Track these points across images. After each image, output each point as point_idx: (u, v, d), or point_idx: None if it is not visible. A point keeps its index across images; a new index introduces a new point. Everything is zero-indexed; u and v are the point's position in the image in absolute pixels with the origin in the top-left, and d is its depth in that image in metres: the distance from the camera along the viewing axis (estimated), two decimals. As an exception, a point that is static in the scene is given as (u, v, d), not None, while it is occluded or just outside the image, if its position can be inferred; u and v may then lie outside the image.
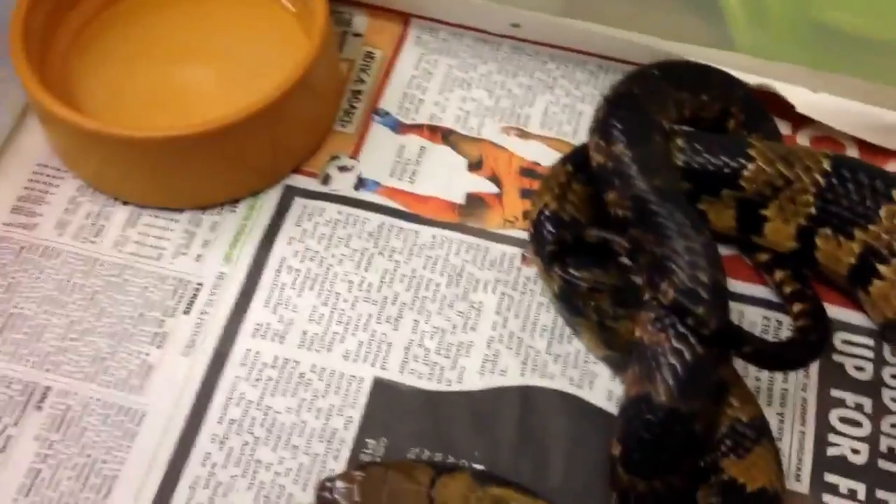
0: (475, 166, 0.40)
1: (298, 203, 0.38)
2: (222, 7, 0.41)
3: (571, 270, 0.34)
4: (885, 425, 0.34)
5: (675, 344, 0.30)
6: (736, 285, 0.37)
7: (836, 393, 0.34)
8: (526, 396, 0.34)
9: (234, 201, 0.38)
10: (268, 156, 0.38)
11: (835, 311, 0.36)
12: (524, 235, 0.37)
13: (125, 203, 0.38)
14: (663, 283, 0.31)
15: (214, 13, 0.41)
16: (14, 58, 0.37)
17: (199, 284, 0.36)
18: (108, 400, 0.34)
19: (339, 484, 0.29)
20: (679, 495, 0.30)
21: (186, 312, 0.36)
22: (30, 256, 0.37)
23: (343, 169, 0.39)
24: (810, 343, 0.34)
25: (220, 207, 0.38)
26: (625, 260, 0.33)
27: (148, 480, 0.32)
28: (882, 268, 0.34)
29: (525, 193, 0.39)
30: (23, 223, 0.38)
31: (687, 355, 0.30)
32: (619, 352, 0.33)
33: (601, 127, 0.35)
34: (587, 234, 0.34)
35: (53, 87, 0.37)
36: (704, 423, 0.30)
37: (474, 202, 0.39)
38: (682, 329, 0.30)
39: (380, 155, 0.40)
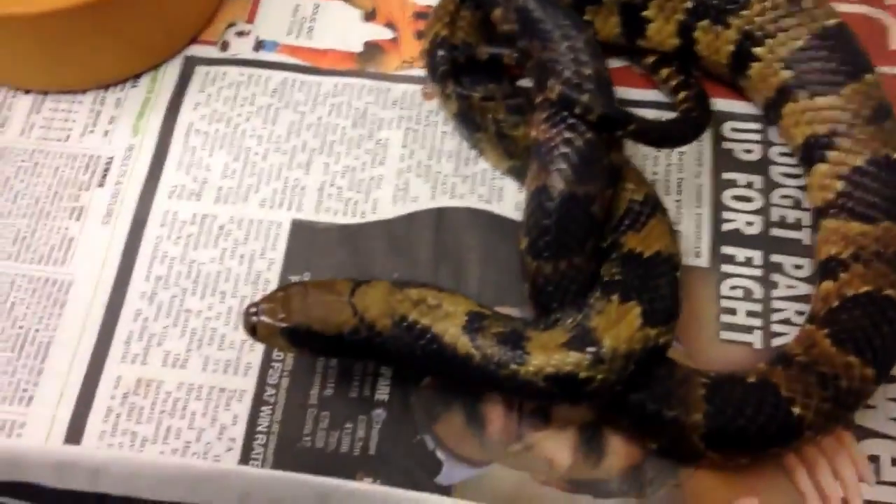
0: (370, 16, 0.41)
1: (200, 71, 0.39)
2: None
3: (465, 85, 0.35)
4: (774, 197, 0.36)
5: (567, 135, 0.32)
6: (629, 92, 0.39)
7: (728, 175, 0.37)
8: (438, 217, 0.36)
9: (136, 77, 0.39)
10: (159, 28, 0.38)
11: (722, 104, 0.38)
12: (423, 73, 0.39)
13: (27, 92, 0.39)
14: (550, 81, 0.33)
15: None
16: None
17: (110, 158, 0.37)
18: (33, 275, 0.35)
19: (263, 305, 0.31)
20: (584, 274, 0.32)
21: (101, 185, 0.36)
22: (-62, 151, 0.38)
23: (241, 34, 0.40)
24: (693, 120, 0.35)
25: (122, 84, 0.39)
26: (510, 61, 0.35)
27: (82, 341, 0.34)
28: (758, 50, 0.36)
29: (421, 35, 0.40)
30: (-73, 123, 0.38)
31: (578, 142, 0.32)
32: (520, 159, 0.35)
33: (479, -50, 0.36)
34: (479, 51, 0.36)
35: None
36: (601, 205, 0.32)
37: (372, 49, 0.40)
38: (571, 120, 0.32)
39: (275, 16, 0.41)
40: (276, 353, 0.33)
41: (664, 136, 0.34)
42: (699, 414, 0.30)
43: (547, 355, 0.30)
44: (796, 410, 0.30)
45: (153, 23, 0.38)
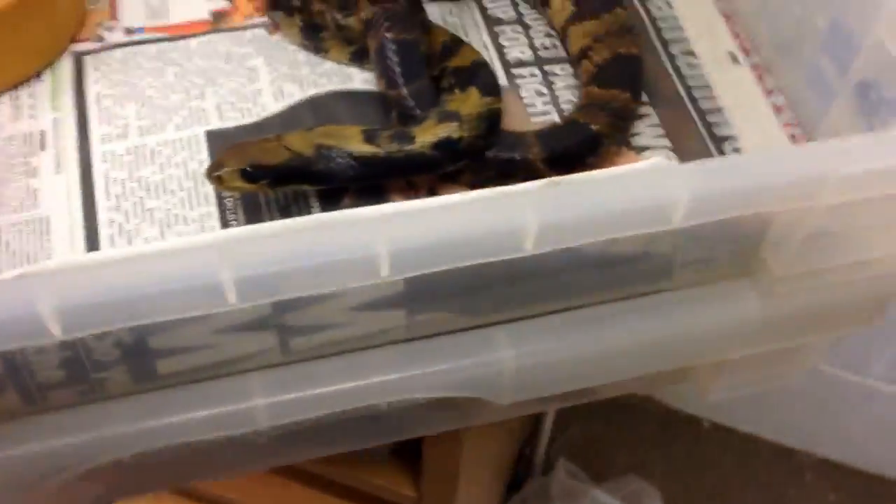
0: (207, -6, 0.53)
1: (89, 59, 0.49)
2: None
3: (304, 5, 0.48)
4: (532, 33, 0.52)
5: (386, 6, 0.46)
6: None
7: (497, 28, 0.52)
8: (312, 104, 0.48)
9: (38, 75, 0.48)
10: (44, 33, 0.48)
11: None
12: (261, 21, 0.51)
13: (-50, 105, 0.47)
14: (363, -24, 0.46)
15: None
16: None
17: (42, 130, 0.46)
18: (14, 221, 0.43)
19: (221, 160, 0.41)
20: (430, 89, 0.45)
21: (43, 149, 0.45)
22: None
23: (109, 29, 0.51)
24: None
25: (27, 83, 0.48)
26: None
27: (75, 250, 0.42)
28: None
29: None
30: None
31: (397, 9, 0.46)
32: (357, 43, 0.48)
33: None
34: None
35: None
36: (424, 45, 0.46)
37: (218, 15, 0.52)
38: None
39: (132, 11, 0.51)
40: (229, 216, 0.43)
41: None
42: (537, 149, 0.44)
43: (428, 132, 0.42)
44: (594, 128, 0.45)
45: (37, 30, 0.48)
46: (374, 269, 0.33)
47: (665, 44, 0.52)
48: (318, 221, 0.35)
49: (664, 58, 0.51)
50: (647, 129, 0.49)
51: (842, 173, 0.34)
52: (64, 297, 0.29)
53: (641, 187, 0.34)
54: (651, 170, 0.36)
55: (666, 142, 0.48)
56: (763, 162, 0.35)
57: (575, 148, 0.44)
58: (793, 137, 0.48)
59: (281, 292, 0.33)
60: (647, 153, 0.48)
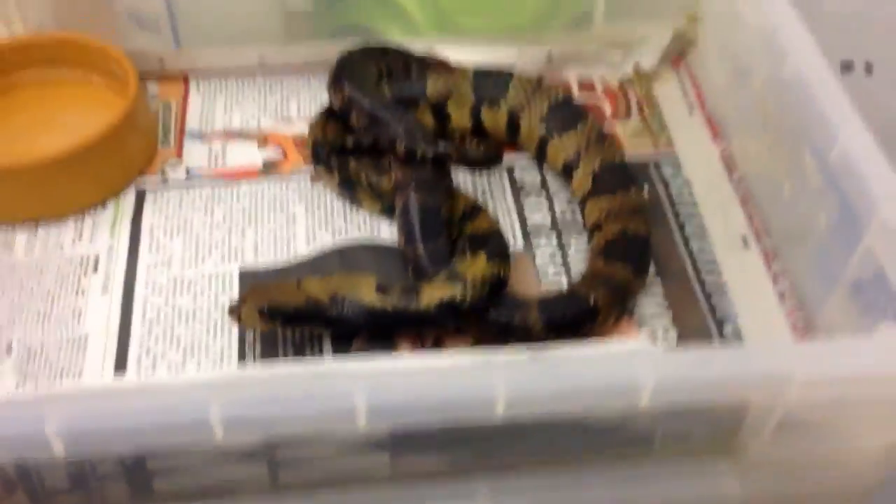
0: (262, 144, 0.58)
1: (150, 194, 0.55)
2: (60, 91, 0.58)
3: (342, 162, 0.53)
4: (554, 202, 0.55)
5: (415, 172, 0.50)
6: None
7: (523, 197, 0.56)
8: (341, 252, 0.52)
9: (103, 204, 0.54)
10: (117, 168, 0.55)
11: (508, 157, 0.57)
12: (307, 171, 0.56)
13: (22, 223, 0.52)
14: (397, 143, 0.50)
15: (57, 94, 0.58)
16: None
17: (97, 254, 0.51)
18: (57, 337, 0.48)
19: (243, 298, 0.45)
20: (444, 251, 0.48)
21: (95, 272, 0.50)
22: (-37, 274, 0.50)
23: (174, 167, 0.56)
24: (491, 155, 0.54)
25: (92, 210, 0.54)
26: (367, 141, 0.53)
27: (105, 368, 0.46)
28: (522, 119, 0.57)
29: (301, 151, 0.58)
30: (-51, 258, 0.51)
31: (425, 174, 0.50)
32: (387, 200, 0.52)
33: (334, 81, 0.55)
34: (346, 141, 0.54)
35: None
36: (446, 209, 0.50)
37: (269, 164, 0.57)
38: (417, 163, 0.50)
39: (196, 154, 0.58)
40: (248, 350, 0.47)
41: (475, 162, 0.52)
42: (535, 316, 0.46)
43: (433, 291, 0.46)
44: (593, 301, 0.47)
45: (112, 165, 0.54)
46: (352, 420, 0.36)
47: (680, 222, 0.55)
48: (306, 371, 0.38)
49: (677, 235, 0.54)
50: (651, 301, 0.51)
51: (805, 377, 0.35)
52: (69, 422, 0.33)
53: (611, 369, 0.36)
54: (626, 352, 0.38)
55: (668, 314, 0.50)
56: (730, 357, 0.37)
57: (572, 318, 0.47)
58: (793, 326, 0.50)
59: (263, 433, 0.36)
60: (647, 325, 0.50)
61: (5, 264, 0.51)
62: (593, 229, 0.53)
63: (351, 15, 0.63)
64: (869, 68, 0.72)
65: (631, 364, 0.36)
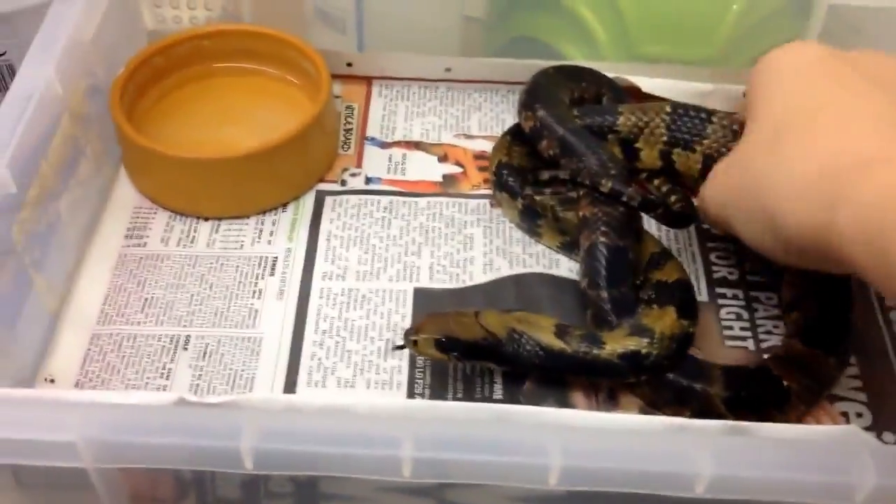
0: (443, 158, 0.57)
1: (329, 199, 0.55)
2: (252, 83, 0.59)
3: (527, 192, 0.51)
4: (746, 254, 0.52)
5: (608, 209, 0.48)
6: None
7: (710, 244, 0.53)
8: (517, 281, 0.50)
9: (284, 206, 0.54)
10: (301, 171, 0.54)
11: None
12: (486, 193, 0.55)
13: (206, 219, 0.53)
14: (603, 181, 0.48)
15: (249, 87, 0.58)
16: (113, 110, 0.52)
17: (276, 257, 0.51)
18: (233, 336, 0.48)
19: (420, 326, 0.44)
20: (629, 298, 0.46)
21: (272, 275, 0.50)
22: (148, 262, 0.51)
23: (353, 175, 0.56)
24: (682, 213, 0.51)
25: (274, 211, 0.54)
26: (565, 177, 0.51)
27: (276, 377, 0.46)
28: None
29: (480, 169, 0.57)
30: (136, 244, 0.52)
31: (616, 214, 0.48)
32: (571, 235, 0.50)
33: (526, 103, 0.54)
34: (540, 175, 0.52)
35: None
36: (634, 253, 0.47)
37: (448, 179, 0.56)
38: (608, 201, 0.48)
39: (376, 162, 0.57)
40: (417, 374, 0.46)
41: (674, 219, 0.50)
42: (719, 386, 0.44)
43: (618, 342, 0.43)
44: (786, 384, 0.44)
45: (297, 167, 0.54)
46: (542, 477, 0.34)
47: (881, 296, 0.51)
48: (498, 414, 0.37)
49: (877, 308, 0.50)
50: (843, 379, 0.47)
51: None
52: (260, 440, 0.33)
53: (826, 458, 0.33)
54: (843, 440, 0.35)
55: (862, 396, 0.46)
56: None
57: (760, 397, 0.44)
58: None
59: (450, 476, 0.35)
60: (838, 404, 0.46)
61: (187, 255, 0.52)
62: (790, 300, 0.49)
63: (526, 26, 0.61)
64: None
65: (850, 459, 0.33)
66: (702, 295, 0.50)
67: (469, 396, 0.46)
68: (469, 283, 0.51)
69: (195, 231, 0.53)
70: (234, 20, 0.59)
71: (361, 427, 0.34)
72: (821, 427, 0.39)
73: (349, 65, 0.62)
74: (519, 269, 0.51)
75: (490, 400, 0.46)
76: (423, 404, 0.39)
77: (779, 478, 0.33)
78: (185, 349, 0.47)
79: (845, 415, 0.46)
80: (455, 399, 0.46)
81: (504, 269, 0.51)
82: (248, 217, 0.53)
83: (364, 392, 0.46)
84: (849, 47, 0.57)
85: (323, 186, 0.56)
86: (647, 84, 0.59)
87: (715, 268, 0.52)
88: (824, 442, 0.35)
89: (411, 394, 0.46)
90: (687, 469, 0.33)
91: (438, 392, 0.46)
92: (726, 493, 0.34)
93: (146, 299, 0.49)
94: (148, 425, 0.34)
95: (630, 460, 0.34)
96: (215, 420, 0.34)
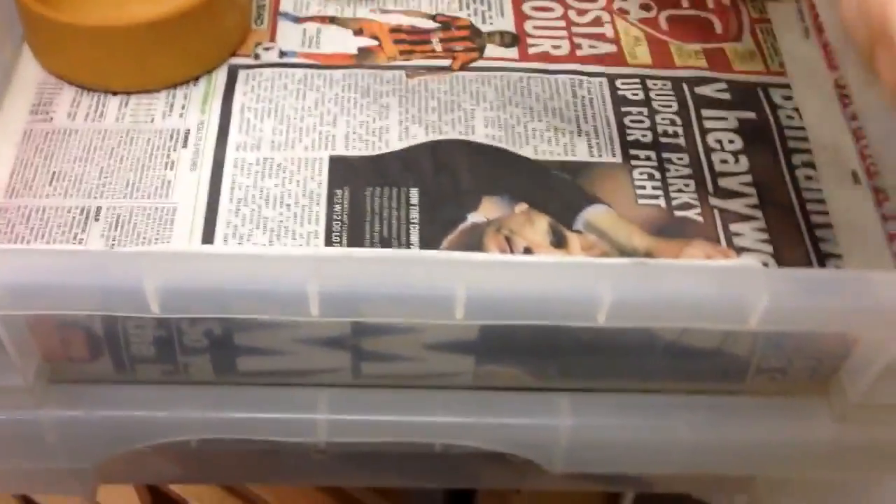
0: (358, 32, 0.57)
1: (242, 72, 0.54)
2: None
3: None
4: (657, 119, 0.53)
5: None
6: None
7: (625, 108, 0.53)
8: (433, 146, 0.50)
9: (195, 80, 0.53)
10: (211, 43, 0.53)
11: (613, 69, 0.55)
12: (402, 64, 0.54)
13: (115, 94, 0.52)
14: None
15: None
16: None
17: (188, 129, 0.51)
18: (146, 206, 0.47)
19: None
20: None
21: (185, 147, 0.50)
22: (55, 137, 0.50)
23: (266, 49, 0.55)
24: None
25: (185, 85, 0.53)
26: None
27: (191, 243, 0.46)
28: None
29: (396, 42, 0.56)
30: (42, 119, 0.51)
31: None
32: None
33: None
34: None
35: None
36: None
37: (364, 53, 0.55)
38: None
39: (290, 36, 0.56)
40: (334, 237, 0.46)
41: None
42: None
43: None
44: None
45: (207, 39, 0.53)
46: (449, 311, 0.35)
47: (787, 151, 0.52)
48: (407, 256, 0.37)
49: (783, 165, 0.51)
50: (751, 232, 0.48)
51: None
52: (167, 280, 0.33)
53: (722, 282, 0.34)
54: (737, 268, 0.37)
55: (769, 248, 0.48)
56: (852, 282, 0.35)
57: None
58: (901, 267, 0.47)
59: (360, 314, 0.35)
60: (745, 254, 0.48)
61: (96, 130, 0.50)
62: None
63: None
64: None
65: (746, 279, 0.34)
66: (616, 157, 0.51)
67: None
68: (385, 150, 0.50)
69: (104, 105, 0.51)
70: None
71: (268, 266, 0.34)
72: (720, 261, 0.40)
73: (261, -61, 0.60)
74: (435, 136, 0.51)
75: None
76: (333, 250, 0.39)
77: (677, 302, 0.35)
78: (97, 220, 0.47)
79: (753, 265, 0.48)
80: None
81: (420, 136, 0.51)
82: (158, 91, 0.52)
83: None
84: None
85: (236, 60, 0.54)
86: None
87: (629, 131, 0.52)
88: (722, 269, 0.36)
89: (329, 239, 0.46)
90: (588, 297, 0.34)
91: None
92: (626, 320, 0.35)
93: (54, 173, 0.48)
94: (53, 268, 0.34)
95: (534, 292, 0.35)
96: (121, 263, 0.34)
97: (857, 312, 0.35)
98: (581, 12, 0.59)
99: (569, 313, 0.35)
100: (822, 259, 0.48)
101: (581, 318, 0.35)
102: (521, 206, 0.49)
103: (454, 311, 0.34)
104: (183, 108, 0.52)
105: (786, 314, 0.35)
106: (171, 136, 0.50)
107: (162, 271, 0.33)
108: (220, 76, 0.53)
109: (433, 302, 0.34)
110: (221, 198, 0.48)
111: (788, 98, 0.55)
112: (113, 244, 0.45)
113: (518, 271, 0.34)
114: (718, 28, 0.58)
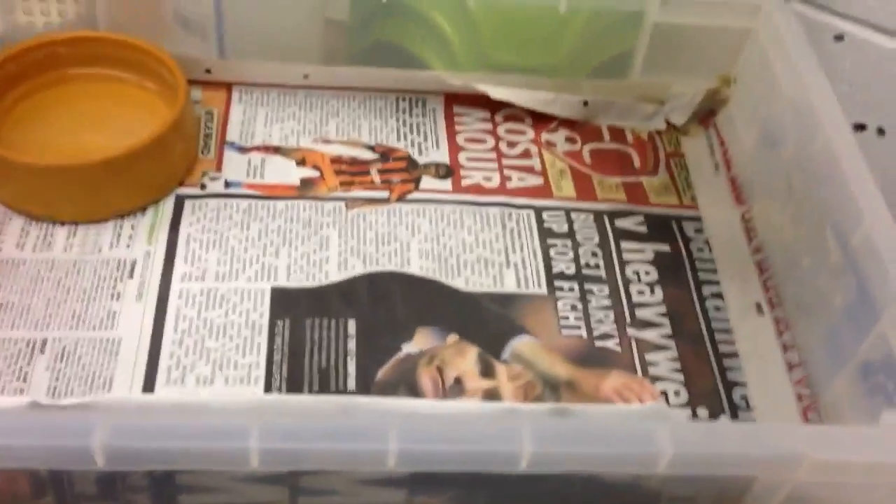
0: (300, 163, 0.60)
1: (189, 203, 0.56)
2: (109, 89, 0.59)
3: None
4: (580, 251, 0.57)
5: None
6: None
7: (551, 241, 0.57)
8: (370, 279, 0.53)
9: (143, 210, 0.55)
10: (160, 175, 0.56)
11: (539, 203, 0.59)
12: (342, 196, 0.57)
13: (62, 223, 0.54)
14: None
15: (105, 93, 0.59)
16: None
17: (134, 260, 0.53)
18: (91, 337, 0.49)
19: None
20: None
21: (130, 277, 0.52)
22: (3, 267, 0.52)
23: (213, 179, 0.58)
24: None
25: (133, 215, 0.55)
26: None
27: (135, 377, 0.48)
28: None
29: (337, 173, 0.59)
30: (-10, 248, 0.52)
31: None
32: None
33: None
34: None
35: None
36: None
37: (306, 183, 0.59)
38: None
39: (235, 166, 0.59)
40: (274, 369, 0.48)
41: None
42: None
43: (459, 333, 0.47)
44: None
45: (156, 172, 0.55)
46: (382, 461, 0.37)
47: (698, 282, 0.56)
48: (344, 405, 0.40)
49: (694, 295, 0.56)
50: (665, 362, 0.52)
51: (813, 462, 0.37)
52: (112, 438, 0.34)
53: (633, 435, 0.38)
54: (649, 415, 0.40)
55: (680, 377, 0.52)
56: (748, 432, 0.39)
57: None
58: (799, 397, 0.51)
59: (297, 464, 0.37)
60: (659, 383, 0.51)
61: (44, 260, 0.52)
62: (616, 283, 0.54)
63: (387, 31, 0.64)
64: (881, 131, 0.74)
65: (652, 435, 0.38)
66: (542, 288, 0.55)
67: (325, 388, 0.49)
68: (325, 282, 0.53)
69: (51, 236, 0.53)
70: (89, 26, 0.60)
71: (210, 421, 0.36)
72: (632, 406, 0.44)
73: (208, 71, 0.63)
74: (372, 268, 0.54)
75: (345, 392, 0.49)
76: (272, 399, 0.41)
77: (592, 452, 0.38)
78: (42, 352, 0.48)
79: (664, 393, 0.51)
80: (311, 392, 0.48)
81: (358, 268, 0.54)
82: (106, 221, 0.55)
83: (222, 388, 0.48)
84: (671, 64, 0.64)
85: (183, 190, 0.57)
86: (495, 92, 0.64)
87: (554, 262, 0.56)
88: (633, 418, 0.39)
89: (269, 388, 0.48)
90: (511, 448, 0.37)
91: (295, 385, 0.48)
92: (545, 467, 0.38)
93: (1, 304, 0.50)
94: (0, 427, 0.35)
95: (461, 442, 0.37)
96: (67, 420, 0.35)
97: (753, 459, 0.39)
98: (511, 144, 0.64)
99: (493, 462, 0.38)
100: (729, 387, 0.52)
101: (504, 466, 0.37)
102: (453, 337, 0.52)
103: (387, 461, 0.37)
104: (130, 238, 0.54)
105: (690, 460, 0.38)
106: (118, 267, 0.52)
107: (107, 429, 0.35)
108: (168, 206, 0.56)
109: (367, 454, 0.37)
110: (166, 328, 0.50)
111: (699, 231, 0.59)
112: (57, 380, 0.47)
113: (446, 424, 0.37)
114: (637, 162, 0.63)
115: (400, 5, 0.61)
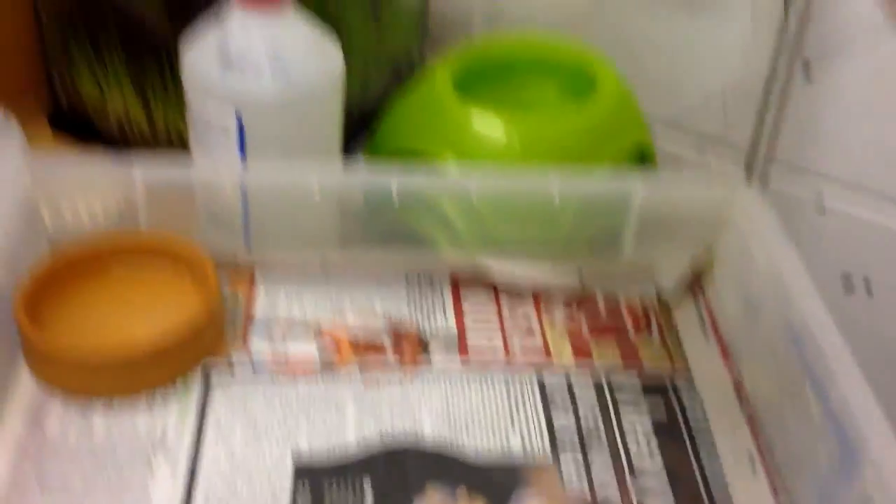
0: (319, 337, 0.64)
1: (216, 377, 0.61)
2: (143, 278, 0.65)
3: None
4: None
5: None
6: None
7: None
8: (387, 454, 0.57)
9: (173, 386, 0.60)
10: (191, 355, 0.61)
11: (546, 369, 0.63)
12: (362, 370, 0.62)
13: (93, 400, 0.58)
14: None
15: (141, 281, 0.65)
16: (20, 321, 0.58)
17: (165, 435, 0.56)
18: None
19: None
20: None
21: (164, 455, 0.55)
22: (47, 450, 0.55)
23: (238, 353, 0.63)
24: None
25: (163, 395, 0.59)
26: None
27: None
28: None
29: (353, 347, 0.64)
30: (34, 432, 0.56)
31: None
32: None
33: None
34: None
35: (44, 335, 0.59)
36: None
37: (325, 359, 0.63)
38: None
39: (258, 343, 0.64)
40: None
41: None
42: None
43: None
44: None
45: (188, 352, 0.60)
46: None
47: (694, 443, 0.60)
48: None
49: (691, 456, 0.59)
50: (666, 520, 0.55)
51: None
52: None
53: None
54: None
55: (680, 541, 0.55)
56: None
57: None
58: (796, 554, 0.54)
59: None
60: (663, 547, 0.54)
61: (85, 449, 0.56)
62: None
63: (401, 216, 0.70)
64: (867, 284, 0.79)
65: None
66: (546, 454, 0.58)
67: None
68: (344, 458, 0.56)
69: (91, 423, 0.57)
70: (131, 223, 0.67)
71: None
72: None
73: (235, 256, 0.69)
74: (388, 441, 0.58)
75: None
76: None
77: None
78: (83, 531, 0.51)
79: (667, 554, 0.54)
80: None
81: (375, 442, 0.58)
82: (138, 398, 0.59)
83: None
84: (658, 243, 0.70)
85: (209, 368, 0.62)
86: (496, 266, 0.69)
87: (558, 432, 0.60)
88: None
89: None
90: None
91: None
92: None
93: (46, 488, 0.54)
94: None
95: None
96: None
97: None
98: (512, 310, 0.69)
99: None
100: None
101: None
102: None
103: None
104: (163, 417, 0.58)
105: None
106: (153, 445, 0.57)
107: None
108: (196, 388, 0.61)
109: None
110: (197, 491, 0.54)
111: (693, 392, 0.63)
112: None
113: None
114: (632, 334, 0.68)
115: (409, 197, 0.68)
